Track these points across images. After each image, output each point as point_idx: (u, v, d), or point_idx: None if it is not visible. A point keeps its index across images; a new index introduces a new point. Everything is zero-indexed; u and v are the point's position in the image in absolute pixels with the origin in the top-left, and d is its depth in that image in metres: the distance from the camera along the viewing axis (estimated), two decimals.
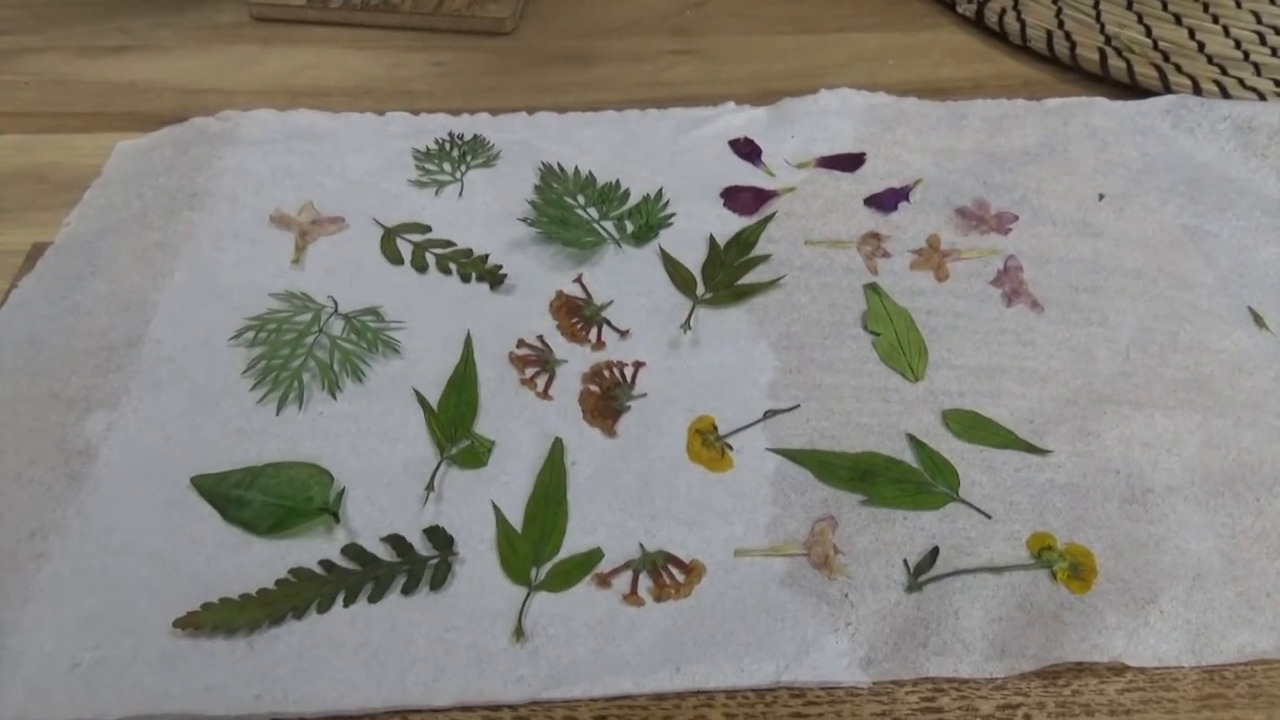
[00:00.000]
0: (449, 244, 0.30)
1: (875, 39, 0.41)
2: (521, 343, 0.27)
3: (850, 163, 0.33)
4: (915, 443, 0.24)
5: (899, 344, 0.27)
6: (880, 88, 0.36)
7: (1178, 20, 0.38)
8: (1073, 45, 0.38)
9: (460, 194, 0.32)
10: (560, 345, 0.27)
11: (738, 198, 0.32)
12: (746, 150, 0.34)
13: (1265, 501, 0.23)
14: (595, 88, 0.38)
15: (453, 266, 0.29)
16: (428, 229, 0.30)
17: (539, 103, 0.36)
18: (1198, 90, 0.36)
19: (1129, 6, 0.39)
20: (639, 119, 0.35)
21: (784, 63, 0.40)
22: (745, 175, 0.33)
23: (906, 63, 0.39)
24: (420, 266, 0.29)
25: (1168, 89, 0.36)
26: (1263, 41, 0.37)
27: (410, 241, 0.30)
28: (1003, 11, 0.40)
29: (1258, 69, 0.36)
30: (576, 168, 0.32)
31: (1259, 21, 0.38)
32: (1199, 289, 0.29)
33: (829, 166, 0.33)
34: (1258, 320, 0.28)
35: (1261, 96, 0.35)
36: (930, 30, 0.41)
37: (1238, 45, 0.37)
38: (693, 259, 0.29)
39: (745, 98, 0.36)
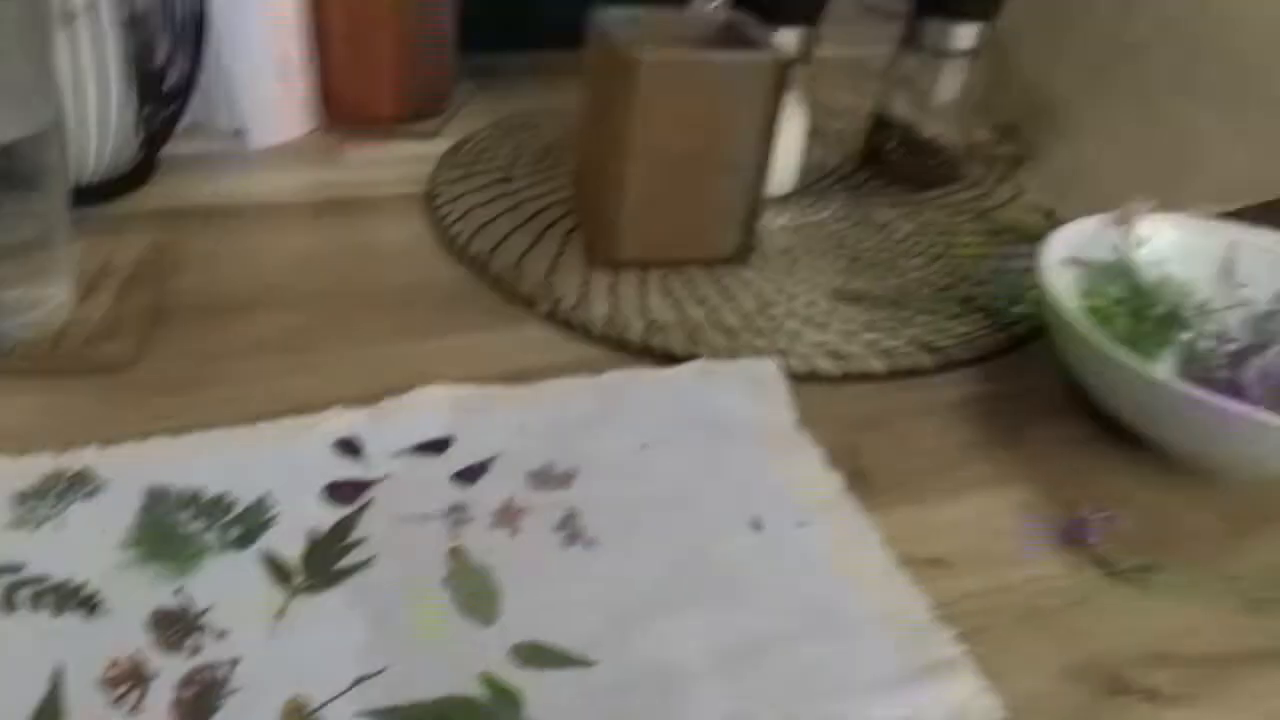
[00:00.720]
0: (43, 579, 0.31)
1: (472, 339, 0.48)
2: (114, 664, 0.28)
3: (439, 446, 0.38)
4: (486, 678, 0.28)
5: (475, 595, 0.31)
6: (473, 380, 0.42)
7: (702, 303, 0.49)
8: (625, 329, 0.47)
9: (60, 527, 0.33)
10: (156, 659, 0.28)
11: (339, 491, 0.35)
12: (349, 448, 0.38)
13: (768, 664, 0.29)
14: (212, 408, 0.41)
15: (44, 600, 0.30)
16: (21, 567, 0.31)
17: (154, 429, 0.39)
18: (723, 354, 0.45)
19: (666, 296, 0.49)
20: (249, 433, 0.38)
21: (392, 367, 0.45)
22: (347, 470, 0.37)
23: (496, 357, 0.46)
24: (8, 607, 0.30)
25: (695, 356, 0.45)
26: (762, 313, 0.48)
27: None
28: (572, 308, 0.49)
29: (760, 333, 0.47)
30: (184, 487, 0.35)
31: (761, 299, 0.49)
32: (719, 507, 0.36)
33: (422, 452, 0.38)
34: (757, 525, 0.35)
35: (761, 353, 0.45)
36: (517, 329, 0.49)
37: (745, 318, 0.48)
38: (293, 553, 0.32)
39: (353, 400, 0.41)
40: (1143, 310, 0.45)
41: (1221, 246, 0.48)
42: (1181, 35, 0.60)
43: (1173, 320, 0.45)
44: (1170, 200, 0.55)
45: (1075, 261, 0.45)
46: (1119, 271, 0.45)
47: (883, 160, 0.62)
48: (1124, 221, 0.46)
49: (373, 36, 0.61)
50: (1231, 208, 0.52)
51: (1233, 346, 0.44)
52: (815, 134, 0.57)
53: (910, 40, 0.58)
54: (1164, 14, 0.61)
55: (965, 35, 0.57)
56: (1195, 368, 0.45)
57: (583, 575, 0.32)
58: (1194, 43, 0.59)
